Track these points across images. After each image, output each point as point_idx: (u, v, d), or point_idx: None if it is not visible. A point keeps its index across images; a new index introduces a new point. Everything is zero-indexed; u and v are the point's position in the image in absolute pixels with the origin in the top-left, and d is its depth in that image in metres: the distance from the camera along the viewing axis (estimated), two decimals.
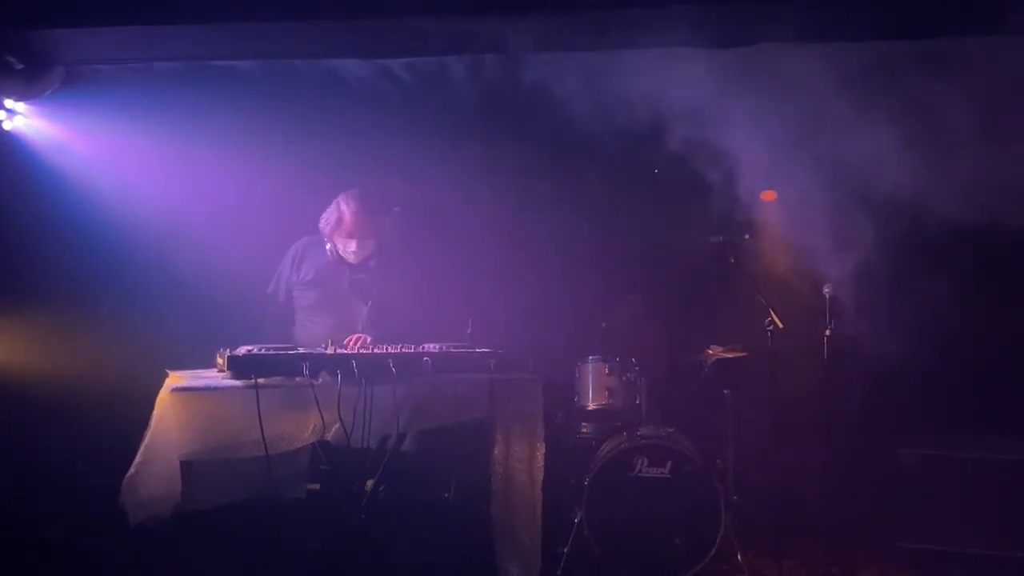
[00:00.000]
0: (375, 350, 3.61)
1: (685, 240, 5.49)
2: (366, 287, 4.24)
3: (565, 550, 4.40)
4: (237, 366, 3.33)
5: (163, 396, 3.27)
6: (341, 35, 3.99)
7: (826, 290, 4.50)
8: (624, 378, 4.83)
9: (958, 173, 4.51)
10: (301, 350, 3.52)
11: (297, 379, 3.37)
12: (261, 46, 4.16)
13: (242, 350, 3.40)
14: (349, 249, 4.19)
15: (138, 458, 3.20)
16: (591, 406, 4.86)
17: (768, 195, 5.86)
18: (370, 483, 3.78)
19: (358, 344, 3.80)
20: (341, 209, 4.16)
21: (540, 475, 3.72)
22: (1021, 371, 5.08)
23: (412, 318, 4.24)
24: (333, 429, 3.39)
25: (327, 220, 4.20)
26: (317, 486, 3.78)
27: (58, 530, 4.24)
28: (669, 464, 4.44)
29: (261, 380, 3.31)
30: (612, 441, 4.69)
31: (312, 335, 4.04)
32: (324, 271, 4.22)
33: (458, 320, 4.42)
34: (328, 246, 4.21)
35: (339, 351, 3.55)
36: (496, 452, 3.75)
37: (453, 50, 4.42)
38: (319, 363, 3.40)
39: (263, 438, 3.27)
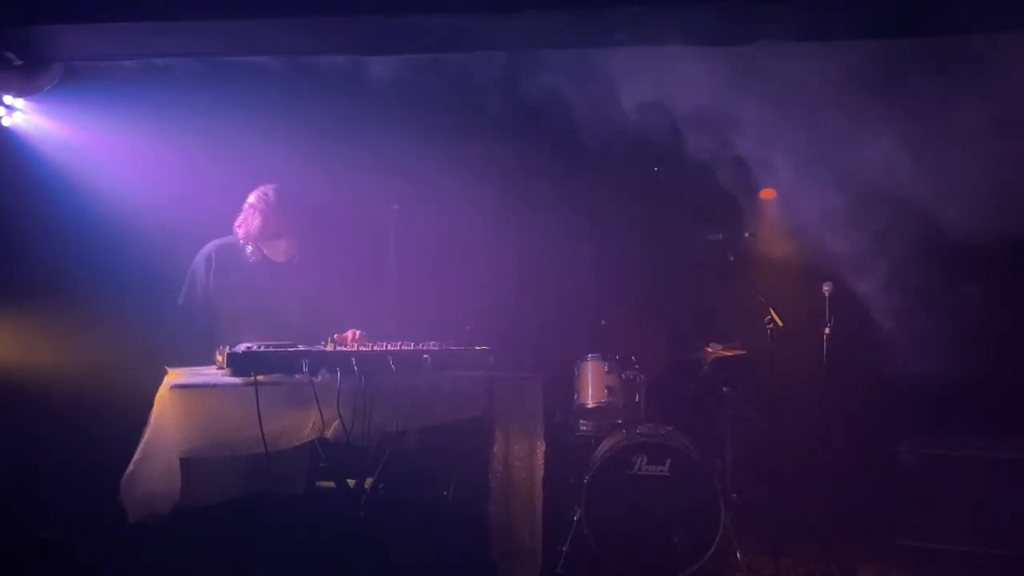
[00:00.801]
0: (375, 347, 3.60)
1: (685, 238, 5.49)
2: (296, 284, 4.10)
3: (564, 548, 4.41)
4: (236, 363, 3.32)
5: (162, 393, 3.25)
6: (340, 32, 3.97)
7: (826, 288, 4.49)
8: (623, 376, 4.84)
9: (961, 172, 4.52)
10: (301, 347, 3.52)
11: (296, 376, 3.35)
12: (259, 43, 4.15)
13: (241, 347, 3.39)
14: (279, 249, 4.08)
15: (137, 455, 3.18)
16: (590, 404, 4.86)
17: (768, 193, 5.87)
18: (369, 481, 3.77)
19: (356, 339, 3.78)
20: (260, 209, 4.02)
21: (540, 473, 3.72)
22: (1019, 370, 5.09)
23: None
24: (332, 426, 3.38)
25: (246, 224, 4.04)
26: (332, 483, 3.75)
27: (57, 529, 4.23)
28: (668, 462, 4.44)
29: (260, 377, 3.29)
30: (611, 439, 4.69)
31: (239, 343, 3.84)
32: (246, 275, 4.04)
33: (457, 318, 4.43)
34: (250, 248, 4.06)
35: (339, 348, 3.54)
36: (495, 450, 3.75)
37: (452, 48, 4.42)
38: (319, 360, 3.39)
39: (262, 435, 3.26)
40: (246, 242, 4.07)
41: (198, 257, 4.05)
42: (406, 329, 3.99)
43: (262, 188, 4.09)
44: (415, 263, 4.99)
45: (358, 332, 3.81)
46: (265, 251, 4.09)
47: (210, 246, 4.07)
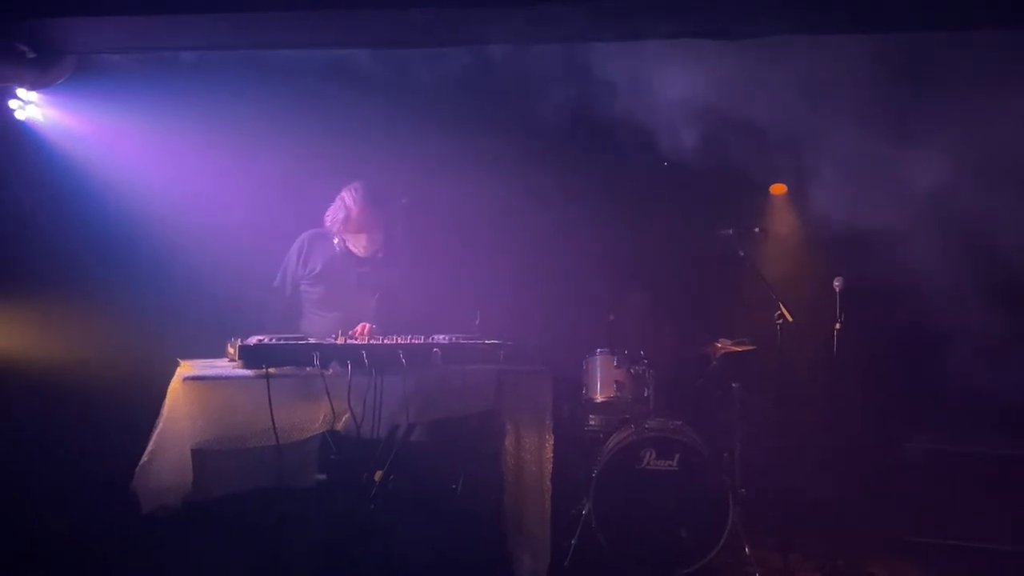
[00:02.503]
0: (385, 341, 3.61)
1: (694, 233, 5.49)
2: (374, 279, 4.23)
3: (573, 542, 4.42)
4: (248, 356, 3.34)
5: (175, 385, 3.28)
6: (350, 26, 3.97)
7: (836, 284, 4.49)
8: (632, 371, 4.84)
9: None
10: (312, 340, 3.53)
11: (308, 369, 3.37)
12: (271, 36, 4.14)
13: (253, 340, 3.41)
14: (360, 244, 4.17)
15: (150, 447, 3.21)
16: (599, 398, 4.87)
17: (778, 188, 5.87)
18: (379, 474, 3.78)
19: (365, 332, 3.80)
20: (348, 204, 4.12)
21: (550, 466, 3.73)
22: None
23: (420, 309, 4.22)
24: (343, 419, 3.40)
25: (333, 216, 4.16)
26: (324, 476, 3.79)
27: (69, 521, 4.26)
28: (677, 457, 4.45)
29: (272, 370, 3.32)
30: (620, 433, 4.70)
31: (320, 328, 4.01)
32: (331, 265, 4.19)
33: (467, 312, 4.43)
34: (336, 240, 4.18)
35: (349, 341, 3.56)
36: (506, 443, 3.76)
37: (460, 41, 4.42)
38: (330, 353, 3.41)
39: (274, 427, 3.28)
40: (334, 233, 4.18)
41: (294, 243, 4.24)
42: (422, 322, 4.04)
43: (354, 183, 4.20)
44: (425, 257, 4.99)
45: (368, 326, 3.84)
46: (349, 244, 4.18)
47: (306, 233, 4.26)
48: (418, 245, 4.50)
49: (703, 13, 3.80)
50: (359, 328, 3.83)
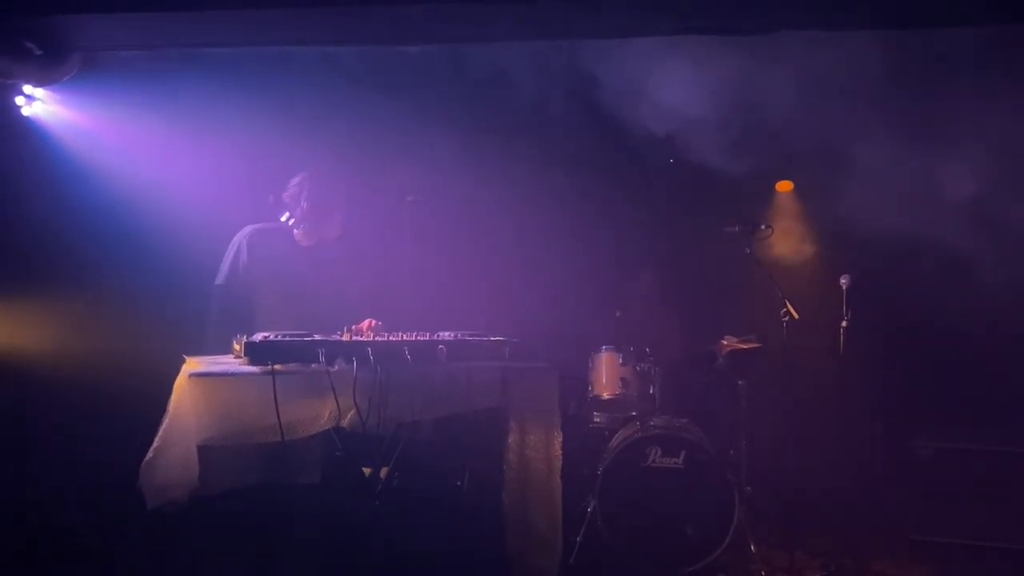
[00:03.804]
0: (390, 337, 3.60)
1: (700, 230, 5.48)
2: (328, 269, 4.12)
3: (578, 539, 4.42)
4: (254, 352, 3.34)
5: (180, 381, 3.28)
6: (358, 21, 3.97)
7: (843, 281, 4.47)
8: (638, 368, 4.84)
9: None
10: (317, 337, 3.53)
11: (313, 366, 3.37)
12: (278, 33, 4.15)
13: (259, 336, 3.41)
14: (327, 225, 4.11)
15: (156, 443, 3.20)
16: (605, 396, 4.86)
17: (784, 185, 5.85)
18: (384, 470, 3.78)
19: (370, 328, 3.79)
20: (310, 186, 4.05)
21: (558, 463, 3.69)
22: None
23: (426, 306, 4.19)
24: (349, 416, 3.39)
25: (294, 200, 4.06)
26: (328, 473, 3.77)
27: (75, 517, 4.27)
28: (682, 455, 4.45)
29: (278, 366, 3.31)
30: (625, 431, 4.70)
31: (277, 327, 3.77)
32: (285, 261, 4.07)
33: (473, 309, 4.43)
34: (296, 231, 4.09)
35: (355, 338, 3.56)
36: (511, 440, 3.73)
37: (467, 37, 4.41)
38: (335, 350, 3.40)
39: (279, 424, 3.27)
40: (297, 222, 4.08)
41: (237, 237, 4.08)
42: (427, 318, 4.01)
43: (299, 173, 4.12)
44: (430, 254, 4.99)
45: (374, 321, 3.82)
46: (315, 230, 4.10)
47: (248, 228, 4.11)
48: (424, 242, 4.49)
49: (705, 10, 3.80)
50: (364, 324, 3.82)
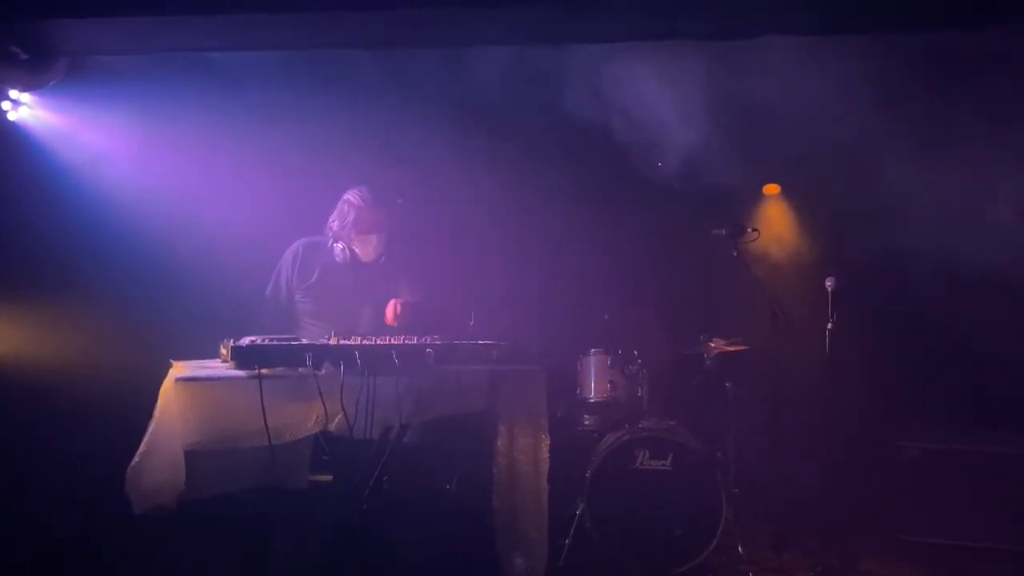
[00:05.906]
0: (378, 341, 3.61)
1: (688, 233, 5.49)
2: (371, 286, 4.22)
3: (567, 542, 4.42)
4: (241, 356, 3.34)
5: (167, 386, 3.28)
6: (344, 26, 3.97)
7: (828, 283, 4.50)
8: (626, 371, 4.84)
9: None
10: (304, 341, 3.53)
11: (300, 370, 3.37)
12: (265, 37, 4.15)
13: (246, 341, 3.41)
14: (368, 245, 4.19)
15: (142, 447, 3.20)
16: (593, 398, 4.87)
17: (771, 188, 5.88)
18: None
19: (399, 308, 3.96)
20: (357, 205, 4.15)
21: (545, 467, 3.71)
22: (1022, 364, 5.09)
23: (424, 312, 4.21)
24: (336, 420, 3.39)
25: (342, 220, 4.17)
26: (329, 477, 3.78)
27: (62, 522, 4.25)
28: (670, 457, 4.45)
29: (264, 370, 3.31)
30: (614, 433, 4.70)
31: (315, 338, 3.98)
32: (328, 273, 4.18)
33: (461, 312, 4.43)
34: (339, 246, 4.17)
35: (342, 342, 3.56)
36: (499, 443, 3.74)
37: (456, 41, 4.42)
38: (322, 354, 3.40)
39: (266, 428, 3.27)
40: (338, 238, 4.17)
41: (287, 252, 4.23)
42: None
43: (356, 187, 4.22)
44: (423, 256, 5.00)
45: (400, 301, 3.93)
46: (355, 247, 4.19)
47: (298, 242, 4.24)
48: (414, 246, 4.50)
49: (690, 14, 3.81)
50: (391, 305, 3.95)
